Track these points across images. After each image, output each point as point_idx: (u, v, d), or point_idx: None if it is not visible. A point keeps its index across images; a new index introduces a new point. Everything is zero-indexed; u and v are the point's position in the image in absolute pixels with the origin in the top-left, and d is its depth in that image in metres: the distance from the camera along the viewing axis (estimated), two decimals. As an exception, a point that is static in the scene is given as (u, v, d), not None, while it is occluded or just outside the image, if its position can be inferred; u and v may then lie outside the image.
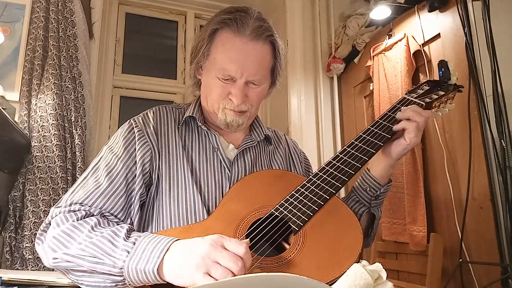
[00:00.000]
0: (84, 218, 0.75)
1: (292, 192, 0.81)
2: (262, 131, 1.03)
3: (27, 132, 1.96)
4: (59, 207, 0.79)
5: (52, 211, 0.78)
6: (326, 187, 0.80)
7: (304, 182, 0.83)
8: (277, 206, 0.78)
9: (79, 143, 2.06)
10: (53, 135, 1.98)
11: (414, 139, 0.88)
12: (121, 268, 0.66)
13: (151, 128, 0.91)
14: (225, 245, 0.63)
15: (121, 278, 0.68)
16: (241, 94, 0.88)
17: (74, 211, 0.76)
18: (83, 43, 2.26)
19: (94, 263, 0.68)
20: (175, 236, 0.69)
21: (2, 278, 1.07)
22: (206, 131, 0.95)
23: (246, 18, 0.87)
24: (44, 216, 1.86)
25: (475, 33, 1.53)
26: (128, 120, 0.94)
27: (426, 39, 1.77)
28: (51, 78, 2.06)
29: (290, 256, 0.69)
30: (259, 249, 0.70)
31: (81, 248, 0.70)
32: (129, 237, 0.70)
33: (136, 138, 0.88)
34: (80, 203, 0.78)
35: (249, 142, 0.98)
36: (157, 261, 0.64)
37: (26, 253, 1.80)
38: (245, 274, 0.60)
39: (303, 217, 0.74)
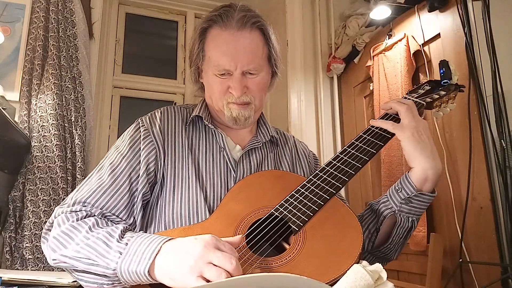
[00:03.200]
0: (83, 218, 0.76)
1: (292, 192, 0.80)
2: (268, 132, 1.02)
3: (27, 132, 1.96)
4: (62, 206, 0.79)
5: (56, 211, 0.79)
6: (326, 187, 0.79)
7: (304, 182, 0.82)
8: (277, 206, 0.78)
9: (79, 143, 2.06)
10: (53, 135, 1.98)
11: (400, 132, 0.84)
12: (114, 270, 0.67)
13: (157, 127, 0.91)
14: (219, 247, 0.63)
15: (116, 278, 0.68)
16: (240, 86, 0.88)
17: (76, 211, 0.77)
18: (83, 43, 2.26)
19: (89, 264, 0.69)
20: (174, 237, 0.68)
21: (2, 278, 1.08)
22: (214, 130, 0.95)
23: (230, 11, 0.88)
24: (44, 216, 1.86)
25: (475, 33, 1.53)
26: (136, 120, 0.94)
27: (426, 39, 1.77)
28: (51, 78, 2.06)
29: (290, 256, 0.69)
30: (259, 249, 0.70)
31: (77, 250, 0.70)
32: (122, 237, 0.70)
33: (142, 138, 0.88)
34: (83, 203, 0.78)
35: (254, 143, 0.97)
36: (148, 263, 0.64)
37: (26, 253, 1.80)
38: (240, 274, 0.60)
39: (303, 217, 0.74)
